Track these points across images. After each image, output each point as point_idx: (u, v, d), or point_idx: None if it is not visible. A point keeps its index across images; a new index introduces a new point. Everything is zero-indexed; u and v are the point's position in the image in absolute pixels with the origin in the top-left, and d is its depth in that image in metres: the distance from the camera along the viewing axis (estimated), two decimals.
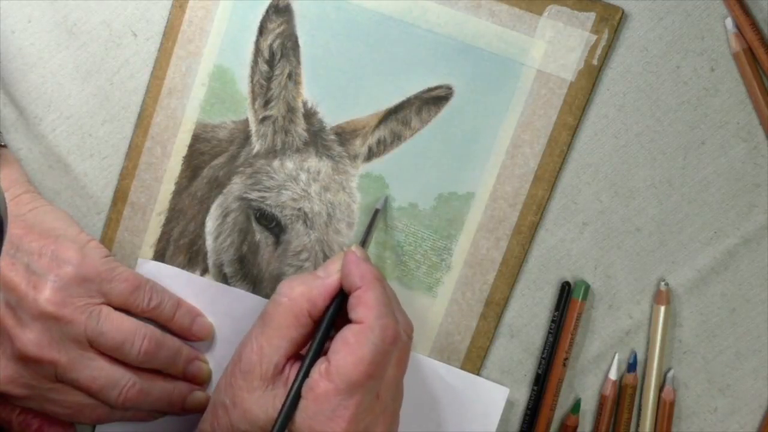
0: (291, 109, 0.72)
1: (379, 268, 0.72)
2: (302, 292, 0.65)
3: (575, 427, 0.74)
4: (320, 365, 0.63)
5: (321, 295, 0.66)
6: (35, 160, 0.73)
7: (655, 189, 0.71)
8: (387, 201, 0.72)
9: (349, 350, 0.62)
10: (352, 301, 0.65)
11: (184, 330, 0.72)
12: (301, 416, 0.62)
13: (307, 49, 0.71)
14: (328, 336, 0.65)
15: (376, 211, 0.71)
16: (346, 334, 0.63)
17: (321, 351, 0.64)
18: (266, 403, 0.64)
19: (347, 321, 0.64)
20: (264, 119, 0.72)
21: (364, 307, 0.64)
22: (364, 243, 0.69)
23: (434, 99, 0.71)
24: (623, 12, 0.69)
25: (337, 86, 0.71)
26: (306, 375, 0.63)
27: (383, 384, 0.64)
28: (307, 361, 0.64)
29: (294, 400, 0.63)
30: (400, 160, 0.71)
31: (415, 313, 0.71)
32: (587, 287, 0.72)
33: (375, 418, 0.64)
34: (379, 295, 0.64)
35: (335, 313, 0.66)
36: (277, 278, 0.73)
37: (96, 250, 0.69)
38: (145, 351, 0.69)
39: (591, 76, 0.69)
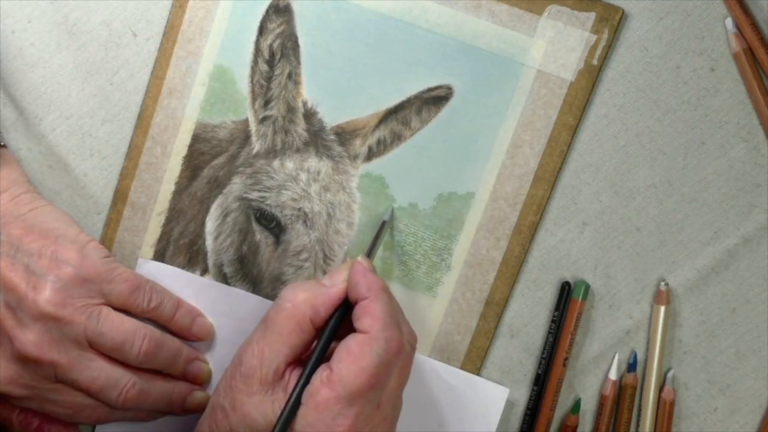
0: (291, 109, 0.72)
1: (380, 268, 0.72)
2: (306, 299, 0.65)
3: (575, 427, 0.74)
4: (322, 373, 0.63)
5: (324, 303, 0.66)
6: (35, 160, 0.73)
7: (655, 189, 0.71)
8: (393, 212, 0.72)
9: (353, 359, 0.62)
10: (358, 310, 0.65)
11: (184, 330, 0.72)
12: (300, 423, 0.62)
13: (307, 49, 0.71)
14: (330, 344, 0.65)
15: (383, 223, 0.71)
16: (351, 343, 0.63)
17: (323, 358, 0.64)
18: (265, 408, 0.64)
19: (349, 331, 0.64)
20: (264, 119, 0.72)
21: (369, 318, 0.64)
22: (369, 254, 0.69)
23: (434, 99, 0.71)
24: (623, 12, 0.69)
25: (337, 86, 0.71)
26: (307, 382, 0.63)
27: (384, 394, 0.64)
28: (308, 368, 0.64)
29: (294, 407, 0.63)
30: (400, 160, 0.71)
31: (415, 313, 0.71)
32: (587, 287, 0.72)
33: (374, 428, 0.64)
34: (385, 306, 0.64)
35: (339, 321, 0.66)
36: (277, 278, 0.73)
37: (96, 251, 0.69)
38: (145, 351, 0.69)
39: (591, 76, 0.69)
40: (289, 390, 0.63)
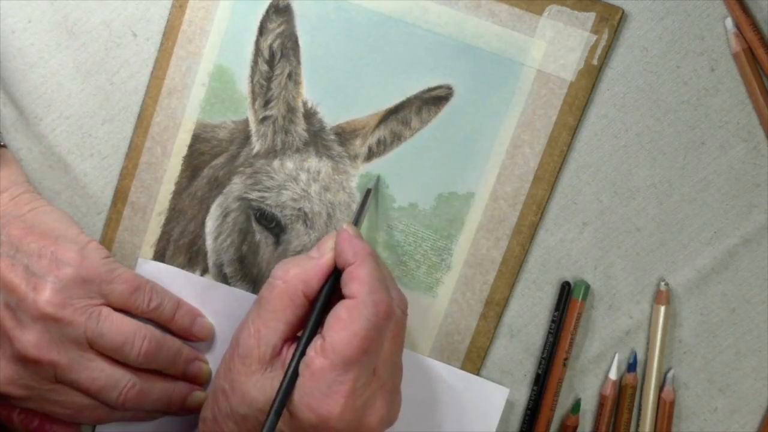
0: (291, 109, 0.72)
1: None
2: (296, 273, 0.66)
3: (575, 427, 0.74)
4: (316, 342, 0.63)
5: (315, 275, 0.66)
6: (35, 160, 0.73)
7: (655, 189, 0.71)
8: (379, 181, 0.71)
9: (343, 326, 0.62)
10: (345, 277, 0.65)
11: (184, 330, 0.72)
12: (298, 394, 0.62)
13: (307, 49, 0.71)
14: (324, 315, 0.65)
15: (368, 191, 0.71)
16: (339, 310, 0.63)
17: (317, 329, 0.64)
18: (264, 386, 0.64)
19: (342, 299, 0.64)
20: (264, 119, 0.72)
21: (356, 283, 0.64)
22: (356, 222, 0.69)
23: (434, 99, 0.71)
24: (623, 12, 0.68)
25: (337, 86, 0.71)
26: (303, 354, 0.63)
27: (380, 360, 0.64)
28: (303, 340, 0.64)
29: (292, 379, 0.63)
30: (400, 160, 0.71)
31: (415, 313, 0.71)
32: (587, 287, 0.72)
33: (373, 394, 0.64)
34: (371, 270, 0.64)
35: (330, 291, 0.66)
36: None
37: (96, 251, 0.69)
38: (145, 352, 0.69)
39: (591, 76, 0.69)
40: (287, 365, 0.63)
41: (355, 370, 0.62)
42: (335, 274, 0.66)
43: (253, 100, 0.72)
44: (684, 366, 0.73)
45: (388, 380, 0.65)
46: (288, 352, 0.65)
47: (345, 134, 0.72)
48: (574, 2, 0.68)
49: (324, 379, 0.62)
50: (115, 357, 0.69)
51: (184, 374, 0.72)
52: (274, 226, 0.73)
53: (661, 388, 0.73)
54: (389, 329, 0.64)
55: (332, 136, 0.72)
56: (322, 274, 0.66)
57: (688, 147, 0.70)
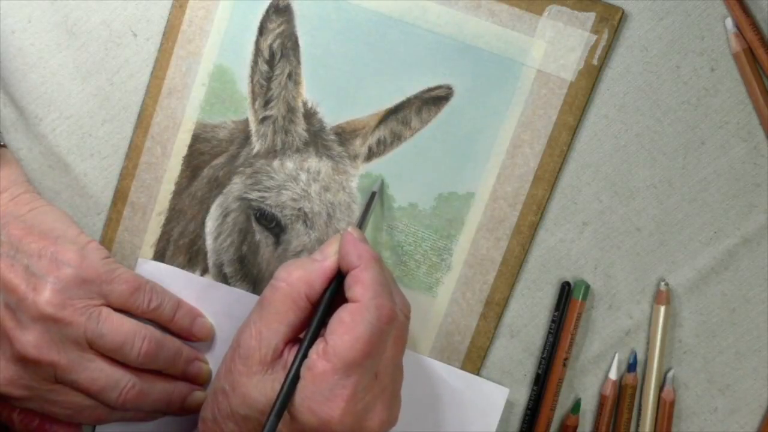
0: (291, 109, 0.72)
1: None
2: (300, 276, 0.66)
3: (575, 427, 0.74)
4: (318, 345, 0.63)
5: (319, 278, 0.66)
6: (35, 160, 0.73)
7: (655, 189, 0.71)
8: (383, 183, 0.72)
9: (346, 329, 0.62)
10: (349, 280, 0.65)
11: (184, 331, 0.72)
12: (299, 397, 0.62)
13: (307, 49, 0.71)
14: (327, 318, 0.65)
15: (373, 194, 0.71)
16: (343, 313, 0.63)
17: (319, 332, 0.64)
18: (265, 387, 0.64)
19: (345, 302, 0.64)
20: (264, 119, 0.72)
21: (360, 286, 0.64)
22: (360, 225, 0.69)
23: (434, 99, 0.71)
24: (623, 12, 0.68)
25: (337, 86, 0.71)
26: (305, 356, 0.63)
27: (381, 364, 0.64)
28: (305, 343, 0.64)
29: (293, 381, 0.63)
30: (400, 160, 0.71)
31: (415, 313, 0.71)
32: (587, 287, 0.72)
33: (374, 398, 0.64)
34: (375, 275, 0.64)
35: (333, 294, 0.66)
36: None
37: (96, 252, 0.69)
38: (145, 352, 0.69)
39: (591, 76, 0.69)
40: (288, 367, 0.63)
41: (357, 374, 0.62)
42: (338, 277, 0.66)
43: (253, 100, 0.72)
44: (684, 366, 0.73)
45: (390, 384, 0.65)
46: (289, 354, 0.65)
47: (345, 134, 0.72)
48: (574, 2, 0.68)
49: (326, 383, 0.62)
50: (115, 357, 0.69)
51: (184, 374, 0.72)
52: (274, 226, 0.73)
53: (661, 388, 0.73)
54: (392, 333, 0.64)
55: (332, 136, 0.72)
56: (326, 277, 0.66)
57: (688, 147, 0.70)
